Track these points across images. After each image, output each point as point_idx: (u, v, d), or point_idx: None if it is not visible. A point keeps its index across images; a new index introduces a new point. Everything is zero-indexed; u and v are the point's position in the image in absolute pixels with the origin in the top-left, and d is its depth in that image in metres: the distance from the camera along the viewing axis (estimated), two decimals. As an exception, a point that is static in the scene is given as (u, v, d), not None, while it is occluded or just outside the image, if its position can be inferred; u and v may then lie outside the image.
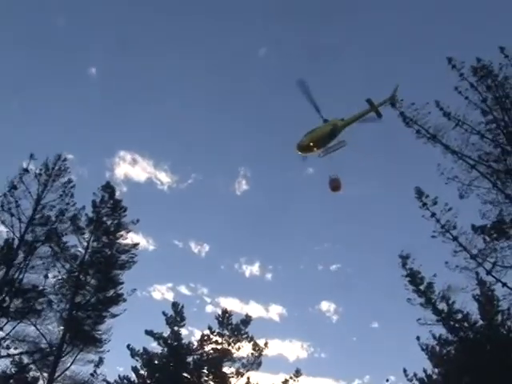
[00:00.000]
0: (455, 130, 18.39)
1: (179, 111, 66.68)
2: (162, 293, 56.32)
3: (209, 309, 51.55)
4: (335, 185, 25.88)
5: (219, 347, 31.94)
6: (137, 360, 30.88)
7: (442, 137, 18.40)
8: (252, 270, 64.72)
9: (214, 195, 68.01)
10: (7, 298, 24.48)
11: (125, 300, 28.34)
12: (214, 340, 32.23)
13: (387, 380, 25.63)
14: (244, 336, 32.36)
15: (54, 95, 61.71)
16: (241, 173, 67.25)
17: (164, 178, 71.25)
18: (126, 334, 35.73)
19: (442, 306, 21.59)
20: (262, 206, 63.86)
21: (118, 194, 30.99)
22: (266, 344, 32.56)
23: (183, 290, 55.88)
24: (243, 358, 31.98)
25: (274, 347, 59.83)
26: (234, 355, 31.93)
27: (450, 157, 18.55)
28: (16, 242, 25.00)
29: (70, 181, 27.07)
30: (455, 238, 18.95)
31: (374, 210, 62.71)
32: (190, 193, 64.86)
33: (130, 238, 30.28)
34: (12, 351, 24.72)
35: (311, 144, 26.28)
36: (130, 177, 65.01)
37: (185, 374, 31.04)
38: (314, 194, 57.75)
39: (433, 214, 19.36)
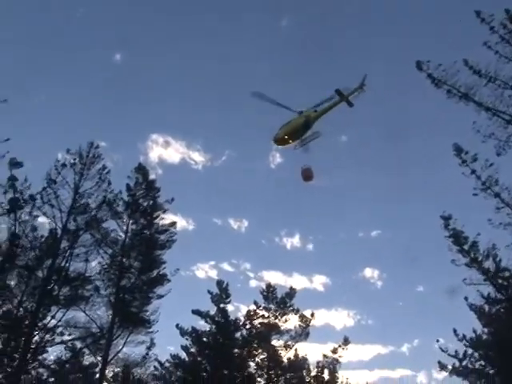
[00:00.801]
0: (487, 87, 18.58)
1: (207, 91, 68.16)
2: (206, 271, 58.72)
3: (253, 283, 53.62)
4: (307, 174, 26.96)
5: (266, 321, 33.62)
6: (186, 339, 32.89)
7: (474, 94, 18.60)
8: (293, 242, 66.29)
9: (248, 170, 69.40)
10: (56, 287, 26.59)
11: (169, 280, 30.20)
12: (260, 314, 33.89)
13: (437, 340, 26.68)
14: (290, 308, 33.95)
15: (79, 87, 63.77)
16: (274, 146, 68.09)
17: (197, 157, 73.11)
18: (174, 314, 38.03)
19: (489, 264, 22.53)
20: (297, 178, 64.84)
21: (153, 177, 32.66)
22: (312, 315, 34.19)
23: (226, 266, 58.04)
24: (291, 330, 33.72)
25: (321, 317, 61.61)
26: (282, 328, 33.63)
27: (484, 115, 18.79)
28: (59, 231, 26.91)
29: (104, 167, 28.60)
30: (497, 195, 19.53)
31: (412, 172, 62.91)
32: (224, 170, 66.48)
33: (169, 218, 32.10)
34: (66, 338, 26.98)
35: (286, 137, 27.56)
36: (163, 159, 67.06)
37: (235, 350, 32.91)
38: (347, 162, 58.66)
39: (473, 171, 20.00)
